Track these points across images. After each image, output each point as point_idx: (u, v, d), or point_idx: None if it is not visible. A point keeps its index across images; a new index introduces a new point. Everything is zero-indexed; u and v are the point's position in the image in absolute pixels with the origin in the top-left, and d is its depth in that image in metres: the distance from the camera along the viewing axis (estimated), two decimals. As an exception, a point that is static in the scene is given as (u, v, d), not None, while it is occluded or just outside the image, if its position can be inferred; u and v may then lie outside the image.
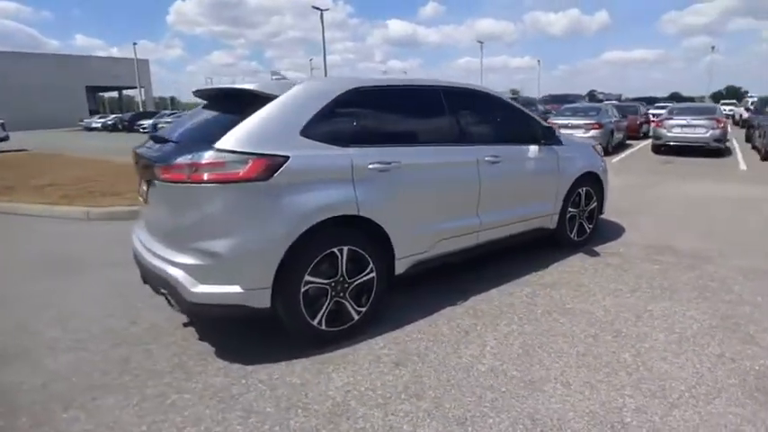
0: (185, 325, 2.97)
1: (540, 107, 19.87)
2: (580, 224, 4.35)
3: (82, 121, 37.69)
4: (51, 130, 34.90)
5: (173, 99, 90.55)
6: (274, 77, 3.58)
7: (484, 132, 3.49)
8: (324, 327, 2.62)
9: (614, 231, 4.90)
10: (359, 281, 2.71)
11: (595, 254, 4.21)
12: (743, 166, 9.99)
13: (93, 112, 44.48)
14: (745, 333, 2.75)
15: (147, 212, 2.77)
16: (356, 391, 2.26)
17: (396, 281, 2.98)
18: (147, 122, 28.32)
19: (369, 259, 2.72)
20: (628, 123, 14.83)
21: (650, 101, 27.98)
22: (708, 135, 11.31)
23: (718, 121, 11.49)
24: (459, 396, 2.22)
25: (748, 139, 14.03)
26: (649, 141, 13.43)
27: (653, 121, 14.89)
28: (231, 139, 2.31)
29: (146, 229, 2.76)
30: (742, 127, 19.31)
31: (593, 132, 11.62)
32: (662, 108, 22.35)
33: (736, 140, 14.52)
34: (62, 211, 6.05)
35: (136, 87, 47.23)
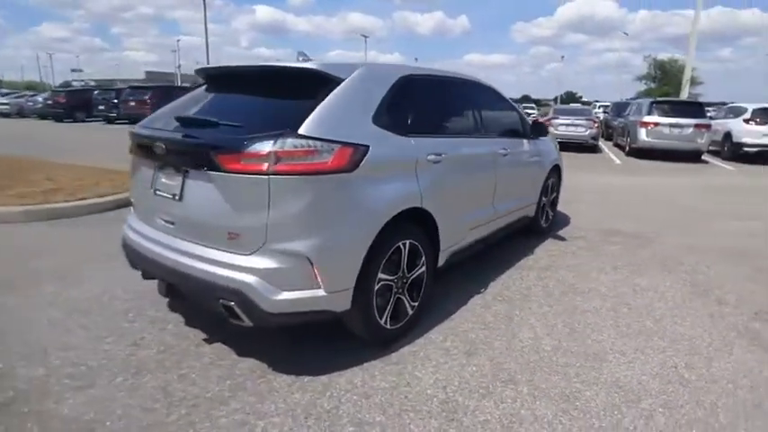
0: (206, 341, 2.59)
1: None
2: (546, 212, 4.86)
3: None
4: None
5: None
6: (301, 58, 3.27)
7: (495, 126, 3.68)
8: (389, 325, 2.54)
9: (560, 218, 5.56)
10: (414, 275, 2.68)
11: (562, 238, 4.75)
12: (617, 161, 12.06)
13: None
14: (716, 296, 3.42)
15: (176, 209, 2.31)
16: (452, 386, 2.26)
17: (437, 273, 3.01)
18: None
19: (422, 252, 2.70)
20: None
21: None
22: (587, 133, 13.40)
23: (594, 121, 13.68)
24: (547, 376, 2.36)
25: (609, 137, 16.92)
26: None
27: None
28: (313, 125, 2.08)
29: (174, 228, 2.32)
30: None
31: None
32: (529, 109, 25.87)
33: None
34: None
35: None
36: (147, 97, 18.13)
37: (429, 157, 2.67)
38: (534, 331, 2.82)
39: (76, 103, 21.28)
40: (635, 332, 2.84)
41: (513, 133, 3.93)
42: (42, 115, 22.42)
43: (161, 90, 19.17)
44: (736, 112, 12.33)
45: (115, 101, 19.85)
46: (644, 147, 12.12)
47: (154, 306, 2.98)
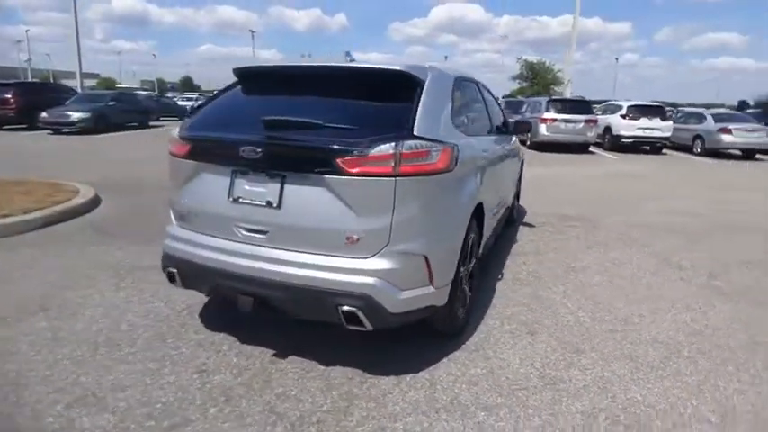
0: (277, 356, 2.46)
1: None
2: (514, 203, 5.40)
3: None
4: None
5: None
6: (348, 59, 3.16)
7: (497, 124, 4.02)
8: (461, 316, 2.70)
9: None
10: (471, 265, 2.87)
11: (531, 225, 5.34)
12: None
13: None
14: (676, 263, 4.21)
15: (271, 217, 2.16)
16: (538, 362, 2.50)
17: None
18: None
19: (477, 243, 2.91)
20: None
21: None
22: None
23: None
24: (603, 342, 2.74)
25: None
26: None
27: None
28: (422, 127, 2.14)
29: (266, 238, 2.17)
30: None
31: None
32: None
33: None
34: None
35: None
36: (9, 96, 15.27)
37: (483, 155, 2.89)
38: (568, 307, 3.21)
39: None
40: (641, 298, 3.40)
41: (504, 130, 4.33)
42: None
43: (25, 88, 16.35)
44: (613, 109, 14.68)
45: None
46: (544, 141, 13.77)
47: (190, 328, 2.73)
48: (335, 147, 2.04)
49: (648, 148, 14.25)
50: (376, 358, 2.46)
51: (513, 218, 5.20)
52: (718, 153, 13.74)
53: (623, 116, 14.20)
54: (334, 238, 2.09)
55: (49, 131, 14.87)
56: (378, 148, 2.01)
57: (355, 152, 2.01)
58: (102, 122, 15.33)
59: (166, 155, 2.62)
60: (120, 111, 16.95)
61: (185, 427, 1.94)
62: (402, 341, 2.60)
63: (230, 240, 2.26)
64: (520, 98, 24.11)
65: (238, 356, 2.47)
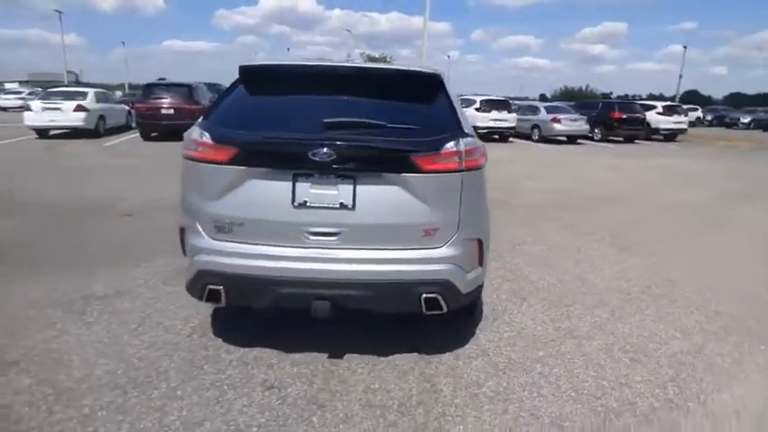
0: (331, 358, 2.50)
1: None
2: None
3: None
4: None
5: None
6: (348, 60, 3.01)
7: None
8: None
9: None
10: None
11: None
12: None
13: None
14: (583, 230, 5.25)
15: (344, 218, 2.17)
16: (555, 320, 3.02)
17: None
18: None
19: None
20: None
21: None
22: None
23: None
24: (576, 294, 3.41)
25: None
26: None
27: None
28: (465, 125, 2.40)
29: (338, 239, 2.18)
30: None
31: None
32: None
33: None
34: None
35: None
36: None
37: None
38: (535, 273, 3.84)
39: None
40: (579, 259, 4.24)
41: None
42: None
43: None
44: (468, 103, 16.65)
45: None
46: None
47: (217, 349, 2.54)
48: (411, 146, 2.19)
49: (498, 136, 16.62)
50: (421, 344, 2.66)
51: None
52: (550, 139, 16.76)
53: (477, 109, 16.28)
54: (410, 231, 2.23)
55: None
56: (447, 146, 2.22)
57: (429, 151, 2.19)
58: None
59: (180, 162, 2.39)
60: None
61: (298, 441, 1.92)
62: (428, 326, 2.81)
63: (295, 247, 2.21)
64: None
65: (295, 366, 2.42)
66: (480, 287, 2.60)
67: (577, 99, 34.19)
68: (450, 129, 2.34)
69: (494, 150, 13.99)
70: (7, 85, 41.28)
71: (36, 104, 12.88)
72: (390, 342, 2.64)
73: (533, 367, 2.49)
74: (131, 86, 49.71)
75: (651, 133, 18.50)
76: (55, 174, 7.82)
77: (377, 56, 59.96)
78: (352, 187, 2.18)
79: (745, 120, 30.47)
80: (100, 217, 5.14)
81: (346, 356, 2.52)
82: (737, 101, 64.35)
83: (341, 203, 2.18)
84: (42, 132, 12.91)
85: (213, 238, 2.28)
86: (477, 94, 17.79)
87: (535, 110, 17.69)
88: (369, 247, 2.22)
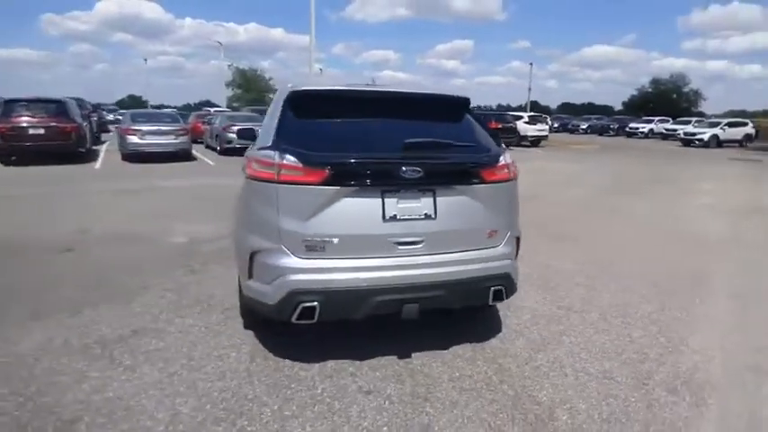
0: (400, 359, 2.74)
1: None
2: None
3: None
4: None
5: None
6: (371, 83, 3.11)
7: None
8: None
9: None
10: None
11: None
12: (212, 163, 13.16)
13: None
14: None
15: (427, 227, 2.44)
16: (563, 300, 3.62)
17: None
18: None
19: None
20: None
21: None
22: (179, 141, 12.76)
23: (185, 128, 13.43)
24: (592, 279, 4.10)
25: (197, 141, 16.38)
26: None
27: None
28: (498, 142, 2.85)
29: (422, 247, 2.45)
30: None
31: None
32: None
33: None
34: None
35: None
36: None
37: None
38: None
39: None
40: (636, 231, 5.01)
41: None
42: None
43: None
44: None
45: None
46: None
47: (290, 368, 2.59)
48: (476, 161, 2.59)
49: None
50: (465, 335, 3.03)
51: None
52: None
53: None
54: (478, 234, 2.61)
55: None
56: (501, 160, 2.66)
57: (490, 164, 2.61)
58: None
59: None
60: None
61: None
62: (457, 320, 3.22)
63: (386, 257, 2.42)
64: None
65: (375, 370, 2.61)
66: None
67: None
68: (492, 144, 2.78)
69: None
70: None
71: None
72: (439, 338, 2.95)
73: (562, 340, 3.03)
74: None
75: (520, 140, 21.41)
76: None
77: (246, 68, 58.24)
78: (432, 199, 2.48)
79: (584, 126, 36.58)
80: (32, 254, 4.46)
81: (414, 355, 2.77)
82: (568, 110, 76.60)
83: (425, 214, 2.47)
84: None
85: (303, 257, 2.37)
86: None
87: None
88: (447, 251, 2.54)
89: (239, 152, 14.34)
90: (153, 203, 7.26)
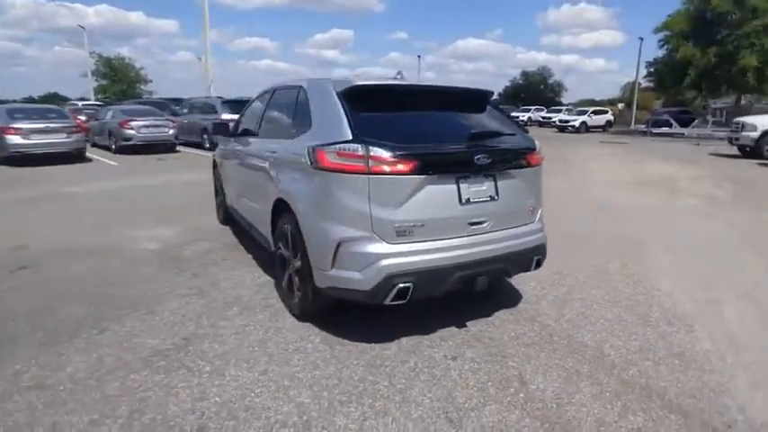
0: (447, 338, 3.08)
1: None
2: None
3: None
4: None
5: None
6: (399, 77, 3.13)
7: None
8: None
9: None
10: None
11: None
12: (113, 163, 12.03)
13: None
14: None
15: (491, 208, 2.81)
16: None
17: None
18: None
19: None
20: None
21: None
22: (71, 140, 11.36)
23: (75, 127, 11.82)
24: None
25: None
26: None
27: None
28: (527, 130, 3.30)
29: (487, 225, 2.80)
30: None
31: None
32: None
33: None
34: None
35: None
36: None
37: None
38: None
39: None
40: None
41: None
42: None
43: None
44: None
45: None
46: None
47: (375, 349, 2.79)
48: (526, 147, 3.02)
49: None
50: (498, 303, 3.47)
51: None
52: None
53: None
54: (523, 212, 3.04)
55: None
56: (537, 145, 3.10)
57: (531, 149, 3.04)
58: None
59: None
60: None
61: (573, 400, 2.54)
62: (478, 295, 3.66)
63: (461, 237, 2.72)
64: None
65: (445, 340, 2.91)
66: None
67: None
68: (522, 131, 3.23)
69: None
70: None
71: None
72: (479, 309, 3.33)
73: (573, 297, 3.62)
74: None
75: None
76: None
77: (112, 57, 52.22)
78: (494, 183, 2.85)
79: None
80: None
81: (467, 324, 3.13)
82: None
83: (490, 196, 2.83)
84: None
85: (394, 243, 2.57)
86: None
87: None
88: (505, 228, 2.93)
89: (140, 150, 13.50)
90: (78, 211, 6.51)
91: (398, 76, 3.47)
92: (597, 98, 58.00)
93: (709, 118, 24.67)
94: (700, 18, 25.48)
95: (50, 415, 2.19)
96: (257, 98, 4.68)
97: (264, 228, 3.65)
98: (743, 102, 28.92)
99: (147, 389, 2.39)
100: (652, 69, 29.72)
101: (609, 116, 30.04)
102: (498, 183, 2.88)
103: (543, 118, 32.62)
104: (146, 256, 4.48)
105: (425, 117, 2.97)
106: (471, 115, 3.16)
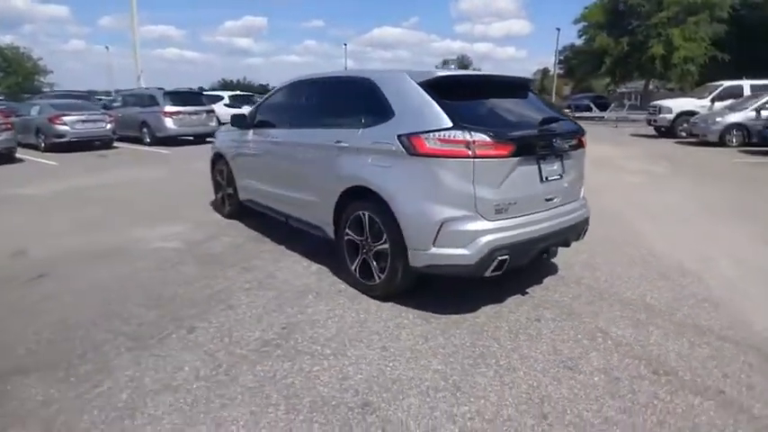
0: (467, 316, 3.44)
1: None
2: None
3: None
4: None
5: None
6: (452, 66, 3.21)
7: None
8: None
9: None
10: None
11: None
12: (52, 162, 11.69)
13: None
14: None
15: (560, 185, 3.21)
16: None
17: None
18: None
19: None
20: None
21: None
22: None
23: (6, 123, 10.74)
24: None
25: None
26: None
27: None
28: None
29: (555, 201, 3.18)
30: None
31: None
32: None
33: None
34: None
35: None
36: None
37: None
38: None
39: None
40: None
41: None
42: None
43: None
44: (214, 99, 16.29)
45: None
46: (170, 135, 13.69)
47: (436, 331, 3.05)
48: (581, 131, 3.43)
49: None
50: (544, 276, 3.89)
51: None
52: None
53: (227, 105, 16.27)
54: (577, 188, 3.48)
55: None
56: (583, 130, 3.51)
57: (582, 133, 3.46)
58: None
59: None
60: None
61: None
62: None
63: (540, 212, 3.08)
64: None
65: (517, 309, 3.25)
66: None
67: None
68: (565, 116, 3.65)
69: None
70: None
71: None
72: (522, 284, 3.72)
73: (596, 265, 4.14)
74: None
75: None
76: None
77: (4, 46, 46.98)
78: (561, 163, 3.24)
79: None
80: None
81: (528, 291, 3.49)
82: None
83: (560, 175, 3.21)
84: None
85: (493, 220, 2.86)
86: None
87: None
88: (566, 203, 3.33)
89: (74, 148, 12.39)
90: (47, 214, 5.95)
91: (453, 66, 3.73)
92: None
93: (626, 102, 27.51)
94: (614, 10, 28.30)
95: (203, 413, 2.21)
96: (278, 91, 4.69)
97: (317, 216, 3.74)
98: (650, 87, 32.54)
99: (283, 376, 2.47)
100: (562, 58, 32.36)
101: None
102: (564, 162, 3.27)
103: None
104: (174, 255, 4.33)
105: (496, 104, 3.27)
106: (527, 101, 3.53)
